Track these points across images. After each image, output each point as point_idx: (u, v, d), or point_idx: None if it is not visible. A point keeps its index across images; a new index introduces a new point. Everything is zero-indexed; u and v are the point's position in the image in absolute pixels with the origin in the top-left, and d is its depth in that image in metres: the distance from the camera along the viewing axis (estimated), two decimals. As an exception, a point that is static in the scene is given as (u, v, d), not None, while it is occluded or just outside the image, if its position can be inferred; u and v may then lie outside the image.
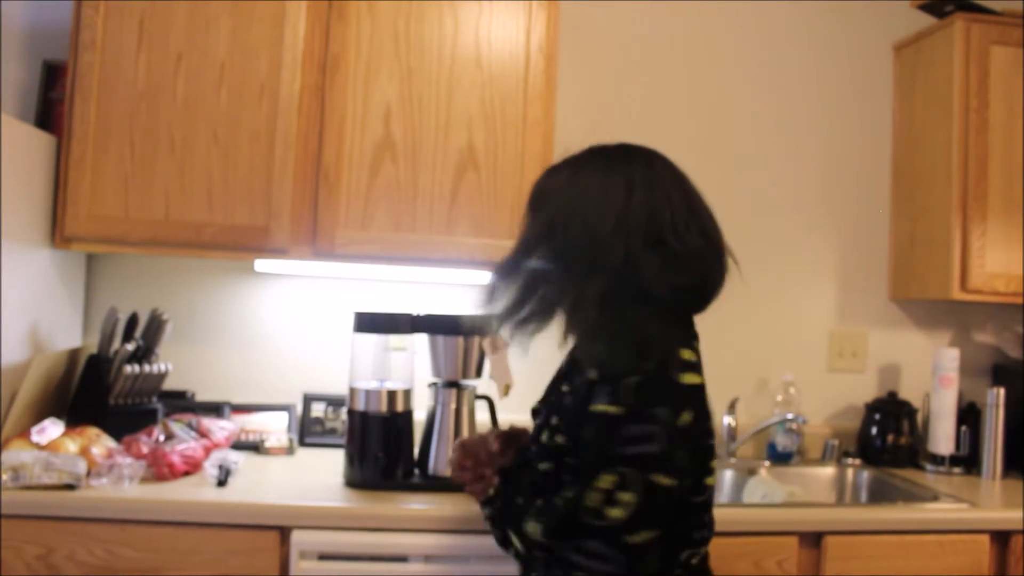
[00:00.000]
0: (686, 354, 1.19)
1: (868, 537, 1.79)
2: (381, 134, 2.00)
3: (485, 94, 2.03)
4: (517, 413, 2.25)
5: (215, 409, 2.15)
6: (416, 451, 1.89)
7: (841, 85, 2.52)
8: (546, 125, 2.05)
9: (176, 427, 1.89)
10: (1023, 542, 1.83)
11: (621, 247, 1.19)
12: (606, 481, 1.11)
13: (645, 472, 1.10)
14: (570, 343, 1.29)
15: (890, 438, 2.33)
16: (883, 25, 2.52)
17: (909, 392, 2.44)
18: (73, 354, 2.06)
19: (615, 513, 1.10)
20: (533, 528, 1.17)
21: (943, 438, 2.27)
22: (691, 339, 1.25)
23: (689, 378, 1.17)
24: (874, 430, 2.36)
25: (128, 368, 1.95)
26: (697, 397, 1.18)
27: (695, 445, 1.18)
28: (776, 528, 1.77)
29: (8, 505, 1.58)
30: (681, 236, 1.22)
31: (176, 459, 1.78)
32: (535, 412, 1.36)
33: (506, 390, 1.90)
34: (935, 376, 2.29)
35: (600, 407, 1.13)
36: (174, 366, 2.15)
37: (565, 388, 1.26)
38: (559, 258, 1.23)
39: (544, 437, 1.26)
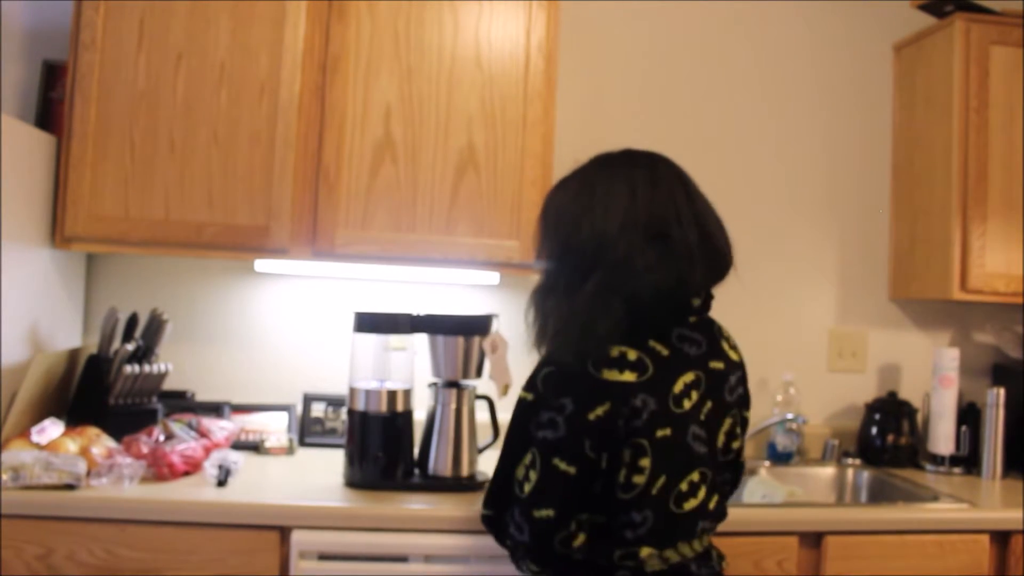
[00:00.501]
0: (624, 352, 1.23)
1: (868, 537, 1.79)
2: (381, 134, 2.00)
3: (485, 94, 2.03)
4: (517, 413, 2.26)
5: (215, 409, 2.15)
6: (416, 451, 1.89)
7: (841, 85, 2.52)
8: (546, 125, 2.05)
9: (176, 427, 1.89)
10: (1023, 542, 1.83)
11: (624, 244, 1.24)
12: (527, 458, 1.25)
13: (547, 454, 1.22)
14: None
15: (890, 438, 2.33)
16: (883, 25, 2.52)
17: (909, 392, 2.44)
18: (73, 354, 2.06)
19: (526, 487, 1.24)
20: (485, 509, 1.35)
21: (943, 438, 2.27)
22: (653, 336, 1.28)
23: (611, 375, 1.21)
24: (874, 430, 2.36)
25: (128, 368, 1.95)
26: (621, 394, 1.21)
27: (615, 440, 1.21)
28: (776, 528, 1.77)
29: (8, 505, 1.58)
30: (684, 232, 1.26)
31: (176, 459, 1.78)
32: None
33: (505, 390, 1.89)
34: (935, 376, 2.29)
35: (521, 394, 1.30)
36: (174, 366, 2.15)
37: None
38: (569, 266, 1.31)
39: None
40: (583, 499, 1.23)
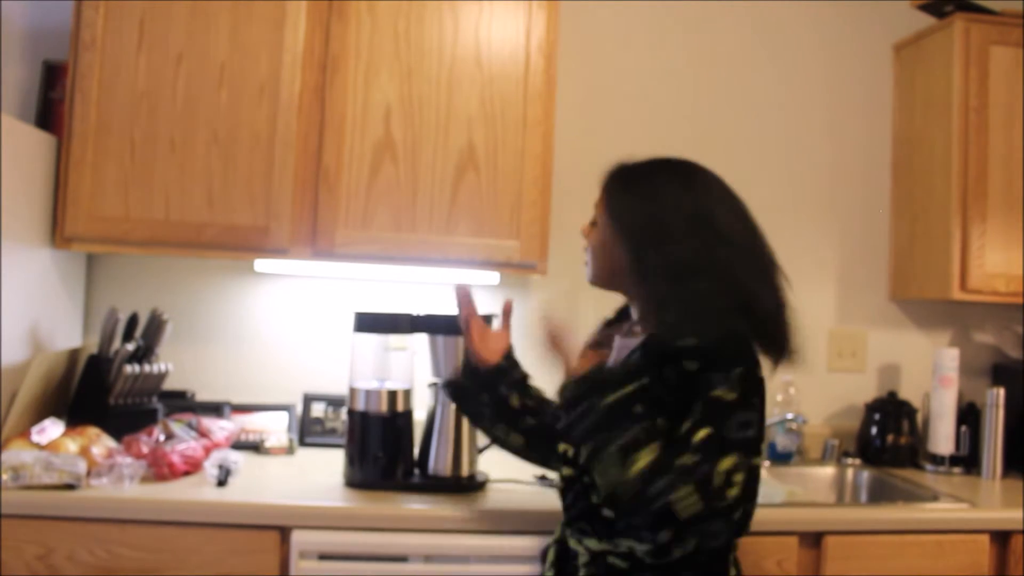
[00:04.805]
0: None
1: (868, 537, 1.79)
2: (381, 134, 2.00)
3: (485, 94, 2.03)
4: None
5: (215, 409, 2.15)
6: (416, 451, 1.89)
7: (841, 85, 2.52)
8: (546, 125, 2.05)
9: (176, 427, 1.89)
10: (1023, 542, 1.83)
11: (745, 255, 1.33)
12: (727, 462, 1.18)
13: (750, 455, 1.21)
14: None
15: (890, 438, 2.33)
16: (883, 25, 2.52)
17: (909, 392, 2.44)
18: (73, 354, 2.06)
19: (731, 492, 1.18)
20: (688, 498, 1.17)
21: (943, 438, 2.27)
22: None
23: (759, 372, 1.28)
24: (874, 430, 2.36)
25: (128, 368, 1.95)
26: (763, 390, 1.29)
27: None
28: (776, 528, 1.77)
29: (8, 505, 1.58)
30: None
31: (176, 459, 1.78)
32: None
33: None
34: (935, 376, 2.29)
35: (718, 392, 1.21)
36: (174, 366, 2.15)
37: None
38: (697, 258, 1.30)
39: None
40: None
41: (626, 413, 1.23)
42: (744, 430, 1.21)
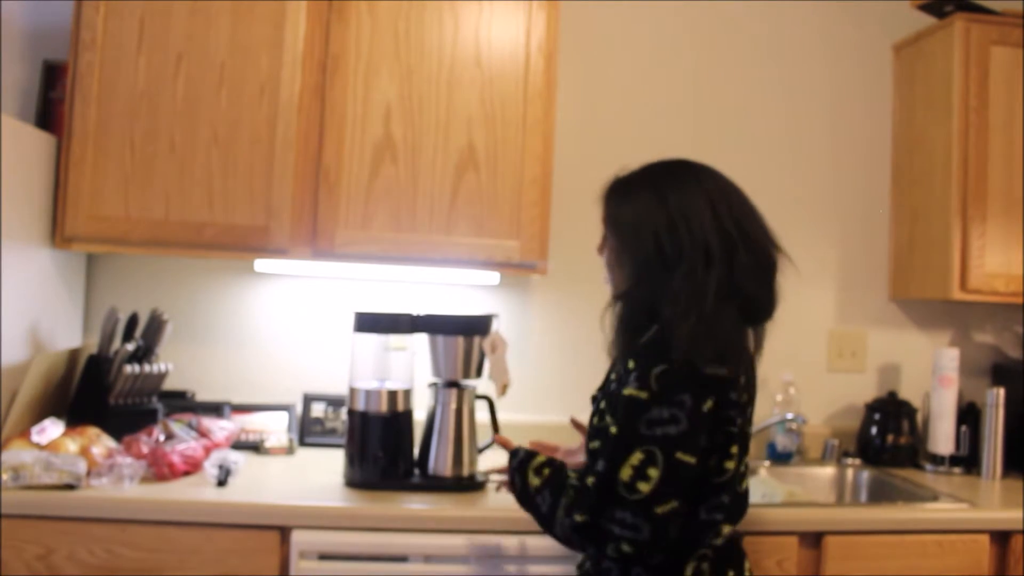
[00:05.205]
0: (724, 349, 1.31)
1: (868, 537, 1.79)
2: (381, 134, 2.00)
3: (485, 94, 2.03)
4: (517, 413, 2.26)
5: (215, 409, 2.15)
6: (416, 451, 1.89)
7: (841, 85, 2.52)
8: (546, 125, 2.05)
9: (176, 427, 1.89)
10: (1023, 542, 1.83)
11: (721, 249, 1.32)
12: (635, 458, 1.23)
13: (669, 449, 1.23)
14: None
15: (890, 438, 2.33)
16: (883, 25, 2.52)
17: (909, 392, 2.44)
18: (73, 354, 2.06)
19: (643, 486, 1.22)
20: (578, 516, 1.26)
21: (943, 438, 2.27)
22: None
23: (712, 370, 1.27)
24: (874, 430, 2.36)
25: (128, 368, 1.95)
26: (721, 387, 1.29)
27: (715, 430, 1.29)
28: (776, 528, 1.77)
29: (8, 505, 1.58)
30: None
31: (176, 459, 1.78)
32: (594, 399, 1.46)
33: (503, 389, 1.90)
34: (935, 376, 2.29)
35: (628, 391, 1.26)
36: (174, 366, 2.15)
37: (612, 376, 1.39)
38: (679, 266, 1.32)
39: (595, 420, 1.39)
40: (701, 490, 1.31)
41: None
42: (659, 427, 1.23)
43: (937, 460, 2.27)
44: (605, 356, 1.43)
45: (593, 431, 1.38)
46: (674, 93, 2.46)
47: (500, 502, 1.75)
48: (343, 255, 1.99)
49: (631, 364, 1.28)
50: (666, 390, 1.24)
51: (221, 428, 1.98)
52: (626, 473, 1.22)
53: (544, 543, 1.62)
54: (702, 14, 2.48)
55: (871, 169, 2.53)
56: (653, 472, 1.22)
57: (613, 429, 1.26)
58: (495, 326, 1.94)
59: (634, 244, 1.36)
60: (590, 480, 1.26)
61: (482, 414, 1.94)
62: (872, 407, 2.39)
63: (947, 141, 2.26)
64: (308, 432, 2.22)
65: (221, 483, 1.74)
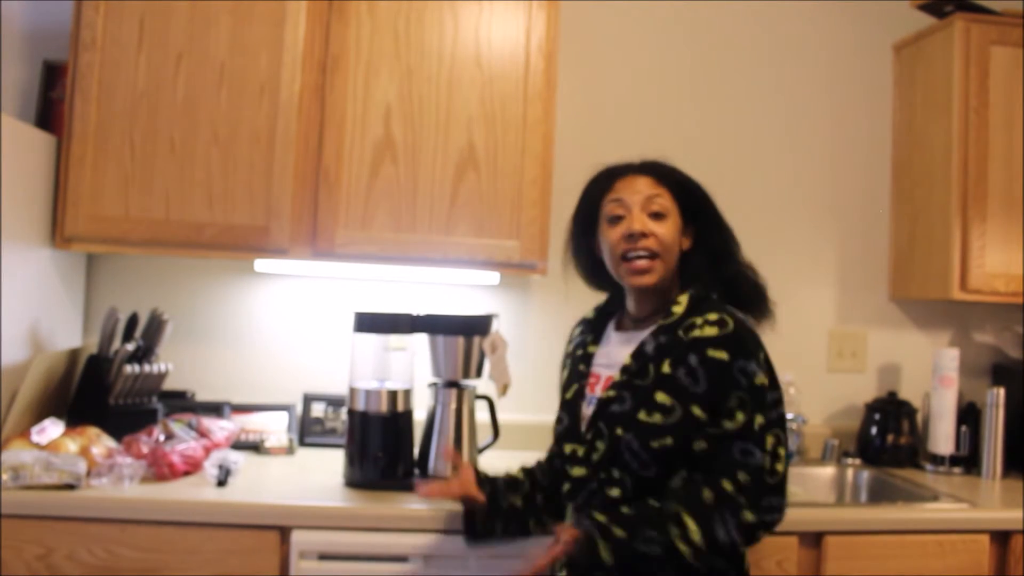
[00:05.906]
0: None
1: (868, 537, 1.79)
2: (381, 134, 2.00)
3: (485, 94, 2.03)
4: (517, 413, 2.26)
5: (215, 409, 2.15)
6: (416, 451, 1.89)
7: (841, 85, 2.52)
8: (546, 125, 2.05)
9: (176, 427, 1.89)
10: (1023, 542, 1.83)
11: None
12: (769, 442, 1.30)
13: (784, 428, 1.34)
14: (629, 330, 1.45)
15: (890, 438, 2.33)
16: (883, 25, 2.52)
17: (909, 392, 2.44)
18: (73, 354, 2.06)
19: (780, 467, 1.31)
20: (748, 515, 1.28)
21: (943, 438, 2.27)
22: None
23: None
24: (874, 430, 2.36)
25: (128, 368, 1.95)
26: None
27: None
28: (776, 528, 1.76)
29: (8, 505, 1.58)
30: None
31: (176, 459, 1.78)
32: (607, 401, 1.38)
33: (504, 389, 1.90)
34: (935, 376, 2.29)
35: (760, 380, 1.31)
36: (174, 366, 2.15)
37: (677, 370, 1.32)
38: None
39: (649, 416, 1.32)
40: None
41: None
42: (777, 408, 1.33)
43: (937, 460, 2.27)
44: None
45: (653, 430, 1.31)
46: (674, 93, 2.46)
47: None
48: (343, 255, 1.99)
49: (720, 355, 1.30)
50: (772, 371, 1.35)
51: (221, 428, 1.98)
52: (767, 460, 1.29)
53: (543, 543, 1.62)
54: (702, 14, 2.47)
55: (871, 169, 2.53)
56: (782, 451, 1.31)
57: (740, 416, 1.29)
58: (495, 326, 1.94)
59: (710, 205, 1.46)
60: (743, 478, 1.27)
61: (482, 414, 1.94)
62: (872, 407, 2.39)
63: (947, 141, 2.26)
64: (308, 432, 2.22)
65: (221, 483, 1.74)
